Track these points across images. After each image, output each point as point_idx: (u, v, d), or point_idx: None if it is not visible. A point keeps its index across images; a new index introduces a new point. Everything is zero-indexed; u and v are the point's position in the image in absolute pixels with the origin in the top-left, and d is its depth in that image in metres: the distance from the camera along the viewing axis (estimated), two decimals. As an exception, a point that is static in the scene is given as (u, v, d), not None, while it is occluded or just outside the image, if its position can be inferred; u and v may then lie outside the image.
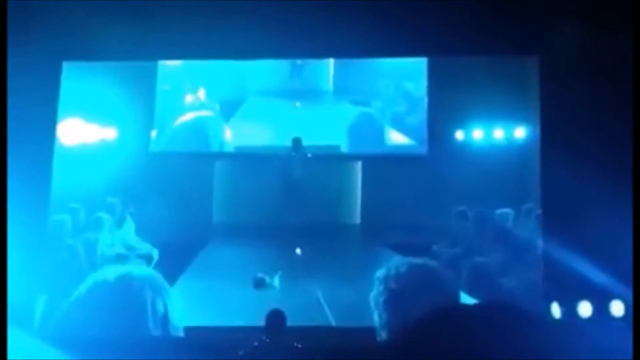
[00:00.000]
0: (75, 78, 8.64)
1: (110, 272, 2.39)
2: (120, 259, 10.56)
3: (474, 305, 1.49)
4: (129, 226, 12.38)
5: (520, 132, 14.27)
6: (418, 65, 15.93)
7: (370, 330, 2.77)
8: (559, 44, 7.28)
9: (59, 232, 9.73)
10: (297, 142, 14.78)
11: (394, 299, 2.68)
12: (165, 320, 2.33)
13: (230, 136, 16.46)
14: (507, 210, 11.55)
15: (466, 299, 7.54)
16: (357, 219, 16.56)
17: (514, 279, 9.39)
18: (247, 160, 16.06)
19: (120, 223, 12.22)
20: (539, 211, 8.05)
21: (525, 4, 7.47)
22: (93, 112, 13.73)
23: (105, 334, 2.16)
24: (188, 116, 16.49)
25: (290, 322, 7.30)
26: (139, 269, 2.48)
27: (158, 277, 2.47)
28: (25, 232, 6.80)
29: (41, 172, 7.40)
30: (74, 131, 12.87)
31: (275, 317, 7.10)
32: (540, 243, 7.77)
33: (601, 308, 7.02)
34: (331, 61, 16.51)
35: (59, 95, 7.69)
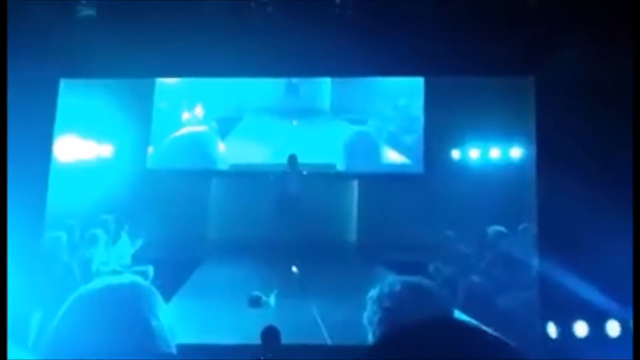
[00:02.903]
0: (73, 95, 8.66)
1: (100, 282, 2.40)
2: (115, 274, 10.54)
3: (465, 322, 1.50)
4: (124, 243, 12.35)
5: (516, 152, 14.24)
6: (415, 84, 15.92)
7: (366, 349, 2.78)
8: (554, 64, 7.31)
9: (55, 248, 9.71)
10: (292, 159, 14.78)
11: (388, 317, 2.69)
12: (157, 333, 2.33)
13: (226, 153, 16.45)
14: (503, 229, 11.54)
15: (462, 317, 7.54)
16: (353, 237, 16.51)
17: (510, 299, 9.38)
18: (243, 177, 16.03)
19: (115, 240, 12.20)
20: (535, 230, 8.04)
21: (521, 26, 7.50)
22: (90, 129, 13.70)
23: (95, 343, 2.16)
24: (184, 131, 16.47)
25: (286, 340, 7.29)
26: (129, 278, 2.49)
27: (149, 288, 2.48)
28: (21, 249, 6.79)
29: (37, 189, 7.41)
30: (71, 148, 12.84)
31: (270, 334, 7.09)
32: (536, 262, 7.78)
33: (598, 328, 7.01)
34: (328, 80, 16.52)
35: (56, 112, 7.70)
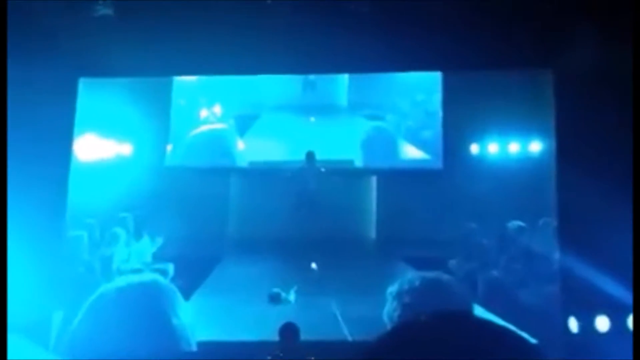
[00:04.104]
0: (92, 94, 8.70)
1: (122, 281, 2.41)
2: (135, 273, 10.58)
3: (482, 319, 1.49)
4: (145, 241, 12.40)
5: (536, 146, 14.18)
6: (433, 79, 15.89)
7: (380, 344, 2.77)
8: (572, 57, 7.27)
9: (76, 247, 9.77)
10: (310, 156, 14.79)
11: (408, 313, 2.68)
12: (178, 331, 2.33)
13: (245, 151, 16.47)
14: (523, 224, 11.50)
15: (482, 312, 7.52)
16: (372, 233, 16.51)
17: (530, 293, 9.35)
18: (262, 174, 16.05)
19: (138, 237, 12.26)
20: (555, 225, 8.01)
21: (539, 19, 7.46)
22: (109, 128, 13.76)
23: (116, 341, 2.16)
24: (203, 129, 16.51)
25: (306, 337, 7.29)
26: (150, 276, 2.50)
27: (170, 286, 2.48)
28: (43, 248, 6.83)
29: (58, 188, 7.44)
30: (90, 147, 12.91)
31: (288, 331, 7.09)
32: (556, 257, 7.74)
33: (619, 322, 6.97)
34: (345, 76, 16.52)
35: (76, 111, 7.74)
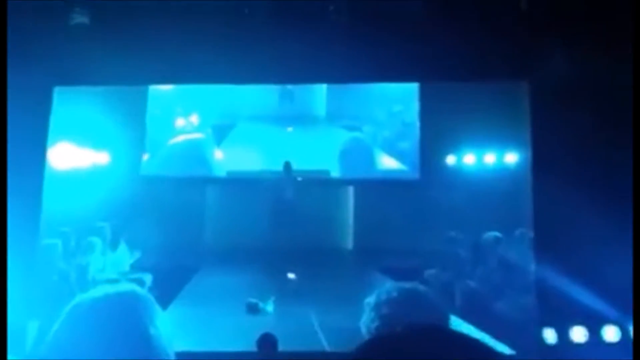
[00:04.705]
0: (67, 103, 8.65)
1: (98, 291, 2.37)
2: (111, 283, 10.51)
3: (458, 332, 1.49)
4: (121, 251, 12.35)
5: (512, 157, 14.27)
6: (410, 90, 15.95)
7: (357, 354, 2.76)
8: (549, 69, 7.31)
9: (50, 256, 9.70)
10: (287, 166, 14.81)
11: (386, 324, 2.67)
12: (155, 342, 2.30)
13: (222, 160, 16.46)
14: (499, 234, 11.54)
15: (458, 323, 7.54)
16: (350, 244, 16.54)
17: (507, 304, 9.38)
18: (239, 184, 16.04)
19: (114, 246, 12.20)
20: (531, 235, 8.04)
21: (515, 30, 7.51)
22: (84, 137, 13.69)
23: (93, 354, 2.13)
24: (179, 138, 16.49)
25: (283, 347, 7.28)
26: (126, 286, 2.46)
27: (147, 296, 2.45)
28: (16, 257, 6.77)
29: (32, 197, 7.39)
30: (66, 156, 12.83)
31: (266, 341, 7.08)
32: (532, 268, 7.77)
33: (594, 333, 7.01)
34: (323, 86, 16.55)
35: (50, 120, 7.69)
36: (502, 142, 14.11)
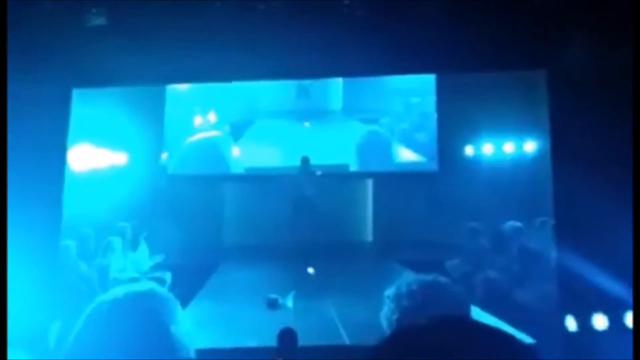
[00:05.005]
0: (85, 104, 8.69)
1: (119, 291, 2.38)
2: (132, 282, 10.55)
3: (479, 323, 1.49)
4: (141, 250, 12.40)
5: (531, 146, 14.23)
6: (427, 81, 15.94)
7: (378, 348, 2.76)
8: (567, 57, 7.27)
9: (71, 257, 9.76)
10: (305, 161, 14.81)
11: (406, 316, 2.67)
12: (176, 340, 2.31)
13: (240, 157, 16.50)
14: (519, 224, 11.51)
15: (479, 314, 7.52)
16: (369, 237, 16.57)
17: (528, 293, 9.35)
18: (257, 181, 16.08)
19: (134, 246, 12.26)
20: (552, 223, 8.02)
21: (532, 18, 7.47)
22: (104, 137, 13.75)
23: (114, 354, 2.14)
24: (197, 137, 16.55)
25: (304, 342, 7.29)
26: (147, 285, 2.47)
27: (167, 295, 2.46)
28: (38, 259, 6.82)
29: (52, 199, 7.42)
30: (85, 157, 12.90)
31: (287, 336, 7.10)
32: (553, 256, 7.74)
33: (616, 320, 6.97)
34: (339, 80, 16.54)
35: (70, 121, 7.73)
36: (521, 131, 14.08)
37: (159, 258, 12.97)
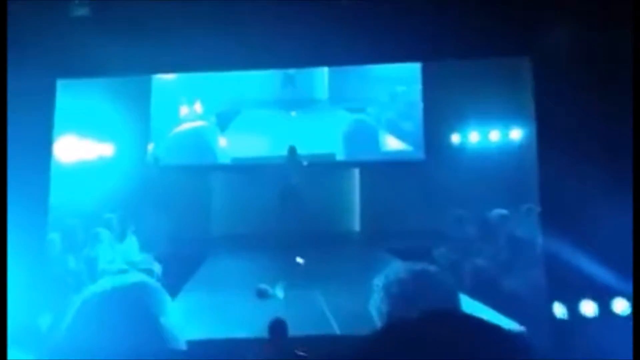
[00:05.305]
0: (70, 95, 8.66)
1: (108, 283, 2.38)
2: (121, 273, 10.51)
3: (469, 315, 1.50)
4: (130, 241, 12.38)
5: (517, 133, 14.26)
6: (412, 70, 15.95)
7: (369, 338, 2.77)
8: (550, 44, 7.29)
9: (59, 249, 9.73)
10: (292, 150, 14.82)
11: (395, 305, 2.68)
12: (166, 331, 2.31)
13: (227, 147, 16.48)
14: (506, 211, 11.55)
15: (468, 302, 7.55)
16: (357, 226, 16.60)
17: (516, 281, 9.39)
18: (244, 171, 16.07)
19: (121, 238, 12.23)
20: (538, 210, 8.04)
21: (515, 5, 7.48)
22: (89, 128, 13.68)
23: (105, 346, 2.15)
24: (184, 127, 16.52)
25: (294, 332, 7.30)
26: (136, 277, 2.47)
27: (157, 286, 2.46)
28: (24, 251, 6.79)
29: (38, 190, 7.39)
30: (71, 148, 12.83)
31: (277, 327, 7.11)
32: (540, 243, 7.77)
33: (604, 306, 7.01)
34: (325, 69, 16.52)
35: (55, 112, 7.69)
36: (506, 118, 14.11)
37: (147, 249, 12.95)
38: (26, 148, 7.21)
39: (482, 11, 7.51)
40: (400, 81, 16.53)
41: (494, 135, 14.87)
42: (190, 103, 16.70)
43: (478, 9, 7.51)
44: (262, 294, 10.56)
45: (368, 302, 2.84)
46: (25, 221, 6.96)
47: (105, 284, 2.36)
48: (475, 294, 8.72)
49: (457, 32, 7.61)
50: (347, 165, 16.61)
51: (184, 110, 16.69)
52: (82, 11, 7.61)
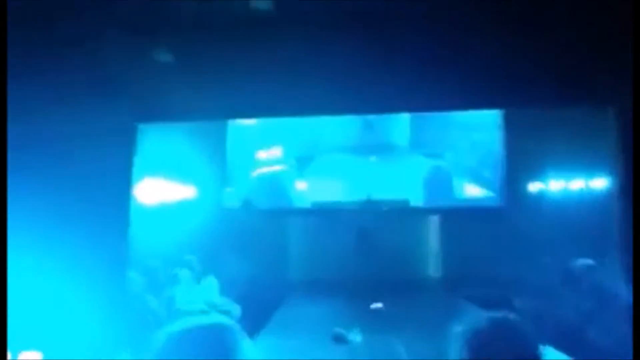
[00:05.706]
0: (150, 139, 8.80)
1: (189, 322, 2.41)
2: (201, 314, 10.55)
3: None
4: (210, 282, 12.46)
5: (599, 183, 14.04)
6: (492, 117, 15.85)
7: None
8: (634, 94, 7.15)
9: (139, 288, 9.85)
10: (371, 196, 14.82)
11: (475, 353, 2.63)
12: None
13: (305, 192, 16.56)
14: (589, 260, 11.32)
15: (551, 352, 7.37)
16: (436, 273, 16.46)
17: (600, 332, 9.16)
18: (322, 215, 16.11)
19: (199, 279, 12.33)
20: (624, 260, 7.86)
21: (599, 54, 7.39)
22: (169, 172, 13.91)
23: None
24: (262, 171, 16.67)
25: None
26: (216, 317, 2.49)
27: (236, 328, 2.47)
28: (105, 292, 6.90)
29: (119, 233, 7.51)
30: (151, 191, 13.03)
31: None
32: (626, 293, 7.58)
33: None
34: (404, 115, 16.53)
35: (135, 156, 7.83)
36: (588, 168, 13.92)
37: (226, 291, 13.02)
38: (108, 191, 7.34)
39: (565, 59, 7.44)
40: (480, 127, 16.44)
41: (575, 185, 14.68)
42: (269, 147, 16.86)
43: (562, 57, 7.44)
44: (338, 339, 10.48)
45: (447, 350, 2.80)
46: (106, 262, 7.08)
47: (187, 322, 2.38)
48: (557, 344, 8.53)
49: (539, 79, 7.54)
50: (425, 211, 16.53)
51: (262, 154, 16.85)
52: (163, 56, 7.76)
